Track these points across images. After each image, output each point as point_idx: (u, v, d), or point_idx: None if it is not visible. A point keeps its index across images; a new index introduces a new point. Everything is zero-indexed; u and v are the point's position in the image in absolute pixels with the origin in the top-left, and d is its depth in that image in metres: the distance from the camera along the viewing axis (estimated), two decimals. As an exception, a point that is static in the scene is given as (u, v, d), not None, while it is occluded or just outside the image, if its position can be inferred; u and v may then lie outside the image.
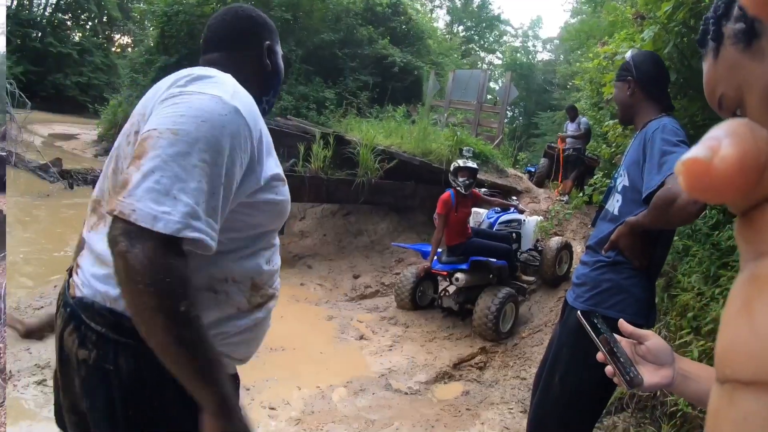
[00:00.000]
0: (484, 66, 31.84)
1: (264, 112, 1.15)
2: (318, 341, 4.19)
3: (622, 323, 0.89)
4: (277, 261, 1.16)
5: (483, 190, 5.52)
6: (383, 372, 3.72)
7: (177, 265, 0.83)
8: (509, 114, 25.62)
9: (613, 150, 4.96)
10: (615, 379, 0.83)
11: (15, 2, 25.55)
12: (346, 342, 4.27)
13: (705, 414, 0.26)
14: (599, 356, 0.86)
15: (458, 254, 4.53)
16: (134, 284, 0.80)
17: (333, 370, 3.67)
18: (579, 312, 0.92)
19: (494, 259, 4.47)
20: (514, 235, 5.18)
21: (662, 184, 1.51)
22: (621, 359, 0.83)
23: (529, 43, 36.46)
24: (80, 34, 29.07)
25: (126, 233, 0.81)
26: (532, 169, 9.53)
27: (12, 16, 23.88)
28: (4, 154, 8.50)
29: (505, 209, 5.27)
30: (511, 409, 3.33)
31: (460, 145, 6.92)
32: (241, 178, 0.96)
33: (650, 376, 0.83)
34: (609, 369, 0.84)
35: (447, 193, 4.50)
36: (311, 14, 14.57)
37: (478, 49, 34.99)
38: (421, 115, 8.62)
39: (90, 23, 30.66)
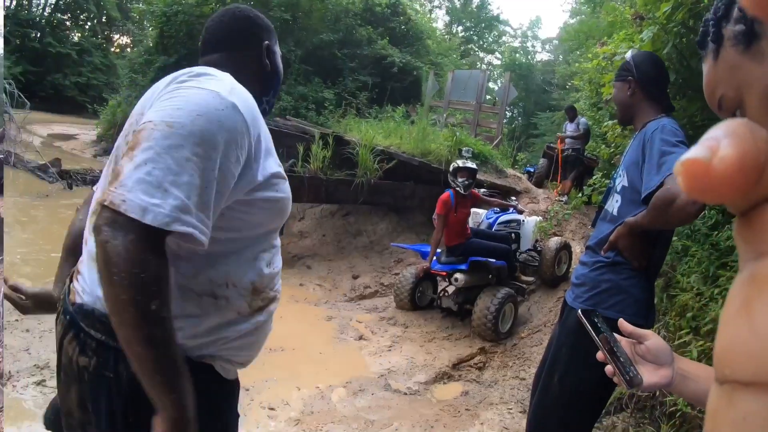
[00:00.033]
0: (483, 66, 31.86)
1: (264, 113, 1.14)
2: (317, 342, 4.19)
3: (622, 322, 0.89)
4: (278, 263, 1.15)
5: (482, 190, 5.53)
6: (382, 372, 3.72)
7: (154, 262, 0.82)
8: (508, 114, 25.65)
9: (612, 150, 4.97)
10: (615, 379, 0.83)
11: (14, 2, 25.54)
12: (346, 342, 4.27)
13: (704, 414, 0.26)
14: (599, 355, 0.86)
15: (457, 254, 4.53)
16: (109, 275, 0.79)
17: (332, 371, 3.67)
18: (579, 311, 0.92)
19: (493, 260, 4.47)
20: (513, 235, 5.18)
21: (661, 185, 1.51)
22: (621, 359, 0.83)
23: (528, 44, 36.53)
24: (79, 35, 29.09)
25: (111, 223, 0.80)
26: (531, 170, 9.53)
27: (11, 16, 23.89)
28: (2, 156, 8.49)
29: (504, 209, 5.27)
30: (511, 409, 3.33)
31: (459, 145, 6.92)
32: (238, 175, 0.95)
33: (649, 375, 0.83)
34: (609, 368, 0.84)
35: (446, 194, 4.50)
36: (310, 14, 14.57)
37: (477, 49, 35.00)
38: (420, 115, 8.61)
39: (89, 23, 30.69)
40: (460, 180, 4.52)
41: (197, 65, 1.12)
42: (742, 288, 0.23)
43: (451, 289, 4.72)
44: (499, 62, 34.47)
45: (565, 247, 5.27)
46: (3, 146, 9.22)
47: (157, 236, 0.83)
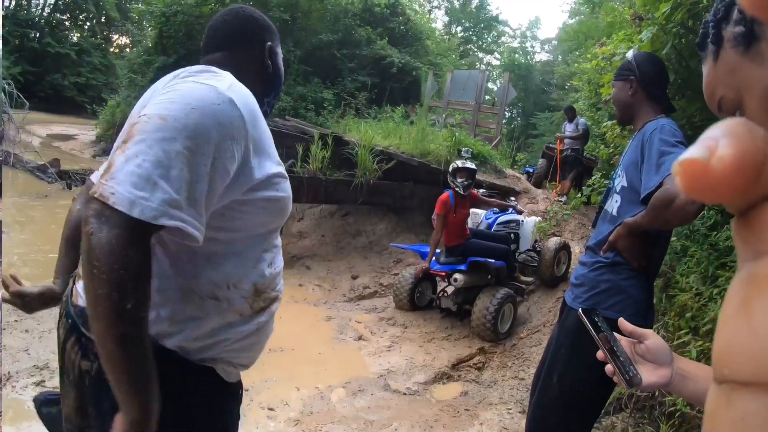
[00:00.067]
0: (483, 67, 31.91)
1: (265, 114, 1.13)
2: (316, 342, 4.19)
3: (623, 322, 0.90)
4: (280, 263, 1.14)
5: (481, 190, 5.53)
6: (382, 372, 3.72)
7: (136, 260, 0.80)
8: (507, 114, 25.67)
9: (611, 151, 4.98)
10: (614, 378, 0.83)
11: (13, 2, 25.52)
12: (345, 343, 4.27)
13: (703, 414, 0.26)
14: (599, 354, 0.86)
15: (457, 255, 4.53)
16: (90, 268, 0.78)
17: (331, 371, 3.67)
18: (580, 309, 0.92)
19: (493, 260, 4.47)
20: (512, 235, 5.18)
21: (660, 185, 1.51)
22: (621, 358, 0.83)
23: (528, 44, 36.57)
24: (78, 35, 29.08)
25: (98, 215, 0.79)
26: (531, 170, 9.54)
27: (10, 16, 23.87)
28: (1, 156, 8.49)
29: (503, 210, 5.27)
30: (510, 409, 3.33)
31: (459, 145, 6.92)
32: (235, 173, 0.94)
33: (649, 375, 0.83)
34: (609, 368, 0.84)
35: (445, 194, 4.50)
36: (309, 15, 14.57)
37: (476, 49, 35.04)
38: (419, 115, 8.61)
39: (88, 23, 30.67)
40: (459, 180, 4.52)
41: (198, 64, 1.12)
42: (740, 288, 0.23)
43: (450, 290, 4.72)
44: (498, 62, 34.55)
45: (564, 248, 5.28)
46: (2, 147, 9.22)
47: (144, 231, 0.81)
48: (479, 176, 5.75)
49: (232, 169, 0.93)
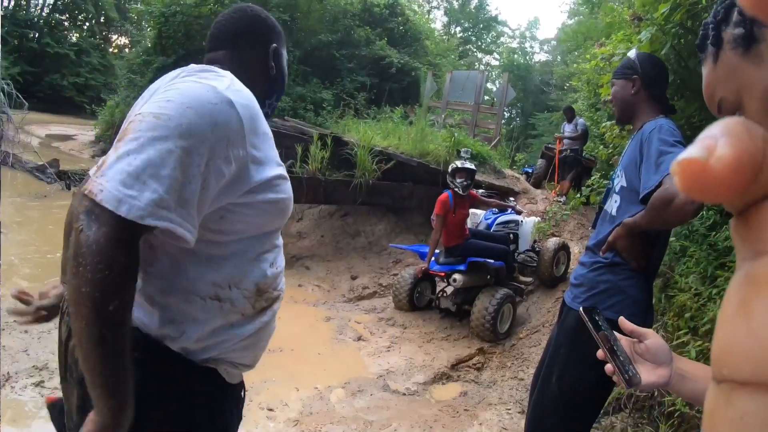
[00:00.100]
0: (482, 67, 31.95)
1: (266, 116, 1.13)
2: (316, 342, 4.19)
3: (623, 320, 0.90)
4: (281, 262, 1.14)
5: (480, 191, 5.53)
6: (381, 373, 3.72)
7: (122, 262, 0.78)
8: (506, 115, 25.71)
9: (610, 151, 4.98)
10: (614, 378, 0.83)
11: (12, 2, 25.51)
12: (344, 343, 4.27)
13: (702, 414, 0.26)
14: (599, 353, 0.86)
15: (456, 255, 4.53)
16: (76, 264, 0.77)
17: (331, 371, 3.67)
18: (581, 307, 0.93)
19: (492, 260, 4.47)
20: (511, 236, 5.19)
21: (659, 184, 1.51)
22: (620, 357, 0.83)
23: (527, 44, 36.59)
24: (77, 35, 29.04)
25: (88, 212, 0.79)
26: (530, 170, 9.55)
27: (9, 16, 23.86)
28: (0, 157, 8.48)
29: (502, 210, 5.27)
30: (509, 409, 3.34)
31: (458, 146, 6.92)
32: (232, 175, 0.93)
33: (648, 375, 0.83)
34: (608, 367, 0.84)
35: (445, 194, 4.51)
36: (309, 15, 14.56)
37: (475, 50, 35.06)
38: (418, 116, 8.61)
39: (87, 24, 30.64)
40: (458, 181, 4.53)
41: (201, 62, 1.10)
42: (739, 287, 0.23)
43: (449, 290, 4.72)
44: (497, 63, 34.58)
45: (564, 248, 5.28)
46: (1, 147, 9.22)
47: (132, 231, 0.80)
48: (478, 176, 5.76)
49: (227, 171, 0.91)
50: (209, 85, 0.91)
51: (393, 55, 14.31)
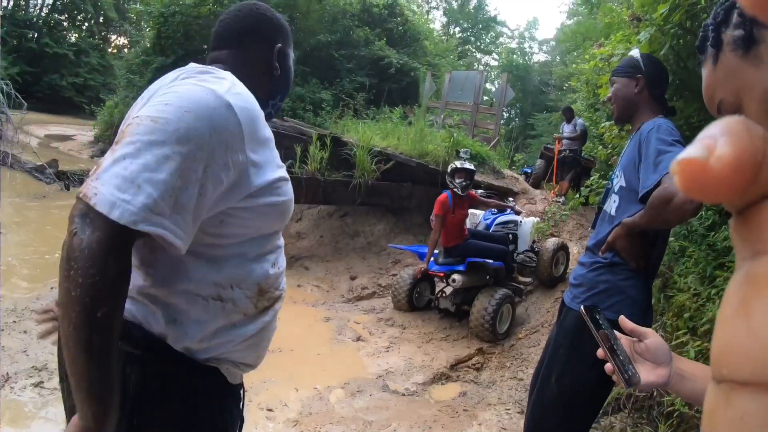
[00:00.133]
0: (481, 67, 31.96)
1: (269, 117, 1.11)
2: (315, 342, 4.18)
3: (623, 320, 0.90)
4: (283, 262, 1.14)
5: (479, 191, 5.53)
6: (380, 373, 3.72)
7: (114, 268, 0.77)
8: (505, 115, 25.72)
9: (609, 151, 4.99)
10: (613, 377, 0.83)
11: (11, 3, 25.50)
12: (343, 343, 4.27)
13: (702, 414, 0.26)
14: (599, 352, 0.86)
15: (455, 255, 4.53)
16: (67, 267, 0.77)
17: (330, 372, 3.67)
18: (582, 306, 0.93)
19: (491, 261, 4.47)
20: (510, 236, 5.19)
21: (658, 184, 1.51)
22: (620, 357, 0.83)
23: (526, 45, 36.60)
24: (76, 35, 29.05)
25: (83, 216, 0.78)
26: (529, 171, 9.54)
27: (8, 16, 23.85)
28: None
29: (501, 210, 5.27)
30: (509, 409, 3.34)
31: (457, 146, 6.92)
32: (231, 181, 0.92)
33: (647, 374, 0.83)
34: (608, 366, 0.84)
35: (444, 195, 4.51)
36: (308, 15, 14.56)
37: (474, 50, 35.07)
38: (417, 116, 8.61)
39: (86, 24, 30.64)
40: (457, 181, 4.53)
41: (203, 61, 1.09)
42: (739, 287, 0.23)
43: (448, 290, 4.73)
44: (496, 63, 34.58)
45: (563, 248, 5.28)
46: (0, 147, 9.20)
47: (125, 236, 0.79)
48: (477, 177, 5.75)
49: (225, 177, 0.90)
50: (208, 88, 0.90)
51: (392, 56, 14.32)
